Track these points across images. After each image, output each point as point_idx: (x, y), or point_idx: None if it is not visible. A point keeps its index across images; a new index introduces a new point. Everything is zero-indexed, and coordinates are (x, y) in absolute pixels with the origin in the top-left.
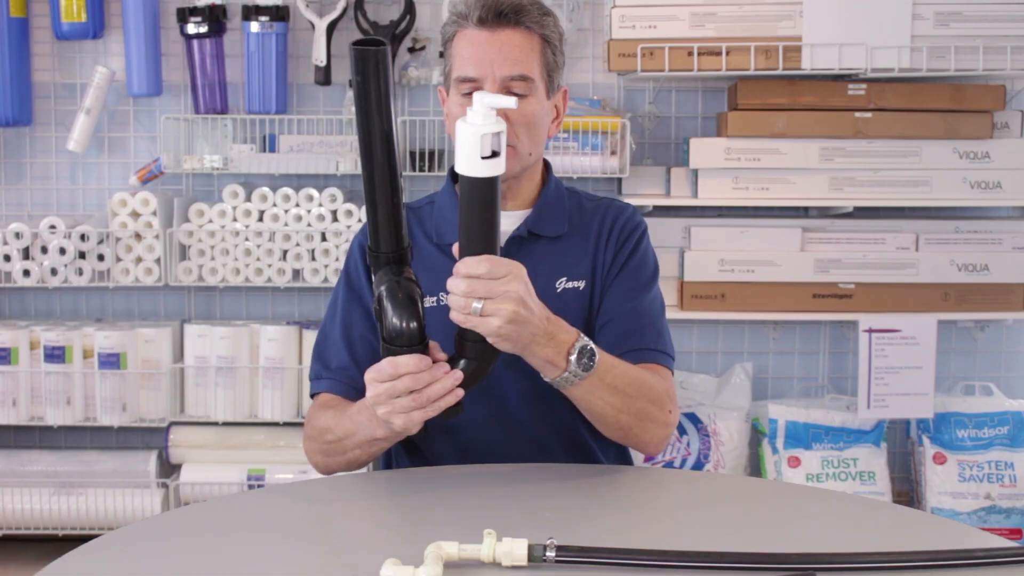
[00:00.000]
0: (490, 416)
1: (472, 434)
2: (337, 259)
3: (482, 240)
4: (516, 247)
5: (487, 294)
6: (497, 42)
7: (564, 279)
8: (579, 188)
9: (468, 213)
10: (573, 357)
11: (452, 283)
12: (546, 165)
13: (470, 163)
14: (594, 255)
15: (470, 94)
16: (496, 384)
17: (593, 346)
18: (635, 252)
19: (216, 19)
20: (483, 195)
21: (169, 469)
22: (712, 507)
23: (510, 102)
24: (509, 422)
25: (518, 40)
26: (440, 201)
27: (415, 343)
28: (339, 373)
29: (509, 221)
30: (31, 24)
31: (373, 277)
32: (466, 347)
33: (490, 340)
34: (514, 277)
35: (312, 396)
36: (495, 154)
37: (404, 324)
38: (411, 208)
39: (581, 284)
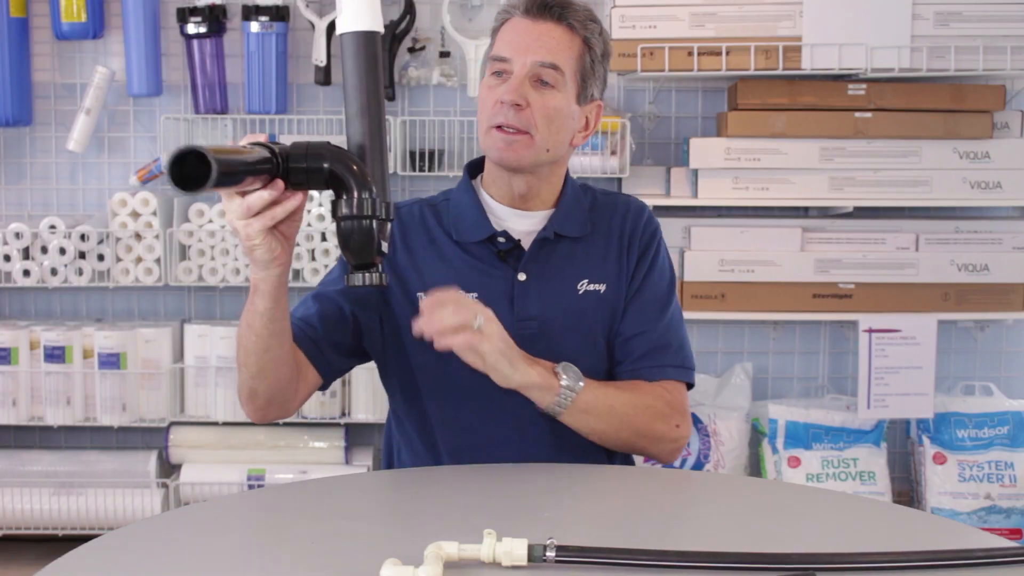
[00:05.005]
0: (500, 417)
1: (481, 436)
2: (337, 259)
3: (374, 102)
4: (539, 248)
5: (475, 312)
6: (536, 31)
7: (586, 281)
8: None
9: (356, 73)
10: (560, 370)
11: (440, 312)
12: None
13: (355, 18)
14: (617, 259)
15: (496, 74)
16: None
17: (570, 364)
18: (656, 260)
19: (216, 19)
20: (369, 52)
21: (169, 469)
22: (712, 507)
23: None
24: (519, 423)
25: (558, 34)
26: (456, 198)
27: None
28: (299, 321)
29: (532, 221)
30: (31, 24)
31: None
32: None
33: (489, 360)
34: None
35: None
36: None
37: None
38: (427, 203)
39: (602, 287)
